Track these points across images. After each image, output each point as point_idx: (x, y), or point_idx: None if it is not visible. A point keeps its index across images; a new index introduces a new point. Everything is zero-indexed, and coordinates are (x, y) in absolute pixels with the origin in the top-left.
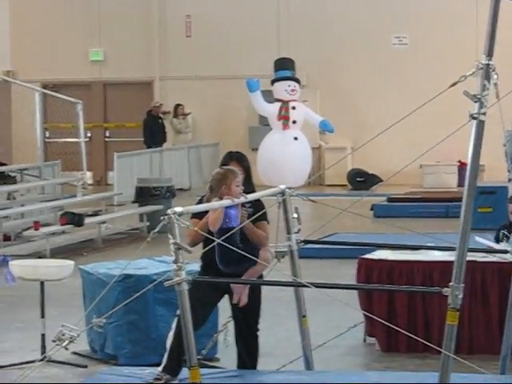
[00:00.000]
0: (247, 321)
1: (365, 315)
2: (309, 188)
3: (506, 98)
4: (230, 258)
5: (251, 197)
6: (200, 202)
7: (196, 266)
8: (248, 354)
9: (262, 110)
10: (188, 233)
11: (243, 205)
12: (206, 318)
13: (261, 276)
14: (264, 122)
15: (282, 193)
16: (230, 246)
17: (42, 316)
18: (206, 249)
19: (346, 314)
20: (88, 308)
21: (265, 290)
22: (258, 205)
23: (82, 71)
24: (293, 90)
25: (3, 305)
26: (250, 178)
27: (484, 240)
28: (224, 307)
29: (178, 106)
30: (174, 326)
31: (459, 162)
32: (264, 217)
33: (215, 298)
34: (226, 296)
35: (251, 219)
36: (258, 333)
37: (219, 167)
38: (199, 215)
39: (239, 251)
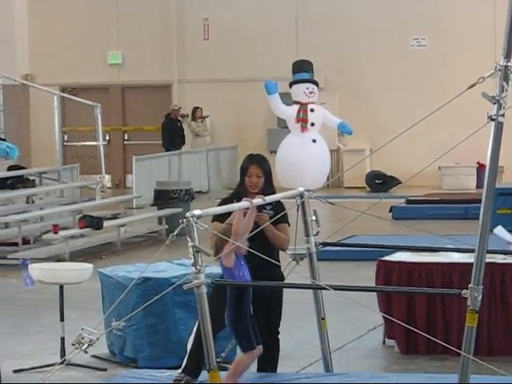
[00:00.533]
0: (268, 324)
1: (384, 317)
2: (327, 190)
3: None
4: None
5: (270, 198)
6: (221, 204)
7: (215, 269)
8: (268, 357)
9: (281, 112)
10: (210, 236)
11: (264, 207)
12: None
13: (282, 278)
14: (282, 124)
15: (301, 195)
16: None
17: (62, 319)
18: (224, 252)
19: (365, 316)
20: (107, 311)
21: (284, 292)
22: (278, 207)
23: (100, 74)
24: (311, 93)
25: (23, 308)
26: (270, 181)
27: (504, 231)
28: None
29: (196, 108)
30: (195, 329)
31: (478, 163)
32: (285, 219)
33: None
34: None
35: (272, 220)
36: (279, 336)
37: (240, 167)
38: (220, 218)
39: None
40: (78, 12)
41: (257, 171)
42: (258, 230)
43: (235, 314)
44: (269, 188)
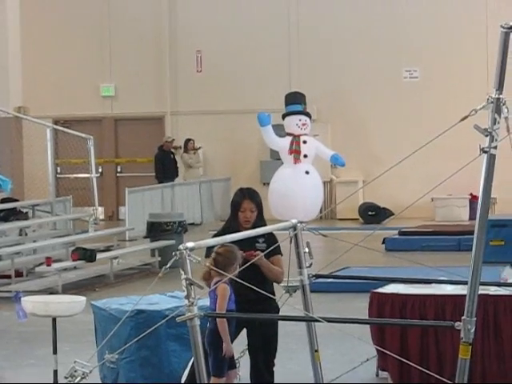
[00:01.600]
0: (265, 356)
1: (377, 349)
2: (320, 222)
3: None
4: (244, 299)
5: (263, 230)
6: (215, 236)
7: (208, 301)
8: None
9: (273, 144)
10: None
11: (256, 240)
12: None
13: (278, 310)
14: (275, 156)
15: (294, 227)
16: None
17: (55, 352)
18: (218, 284)
19: (359, 348)
20: (100, 344)
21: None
22: (270, 239)
23: (93, 107)
24: (304, 124)
25: (16, 341)
26: (261, 214)
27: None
28: (236, 342)
29: (188, 140)
30: (190, 362)
31: (471, 195)
32: (278, 250)
33: (234, 333)
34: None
35: (265, 253)
36: (274, 368)
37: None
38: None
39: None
40: (70, 45)
41: (250, 206)
42: (249, 263)
43: (216, 337)
44: (260, 221)
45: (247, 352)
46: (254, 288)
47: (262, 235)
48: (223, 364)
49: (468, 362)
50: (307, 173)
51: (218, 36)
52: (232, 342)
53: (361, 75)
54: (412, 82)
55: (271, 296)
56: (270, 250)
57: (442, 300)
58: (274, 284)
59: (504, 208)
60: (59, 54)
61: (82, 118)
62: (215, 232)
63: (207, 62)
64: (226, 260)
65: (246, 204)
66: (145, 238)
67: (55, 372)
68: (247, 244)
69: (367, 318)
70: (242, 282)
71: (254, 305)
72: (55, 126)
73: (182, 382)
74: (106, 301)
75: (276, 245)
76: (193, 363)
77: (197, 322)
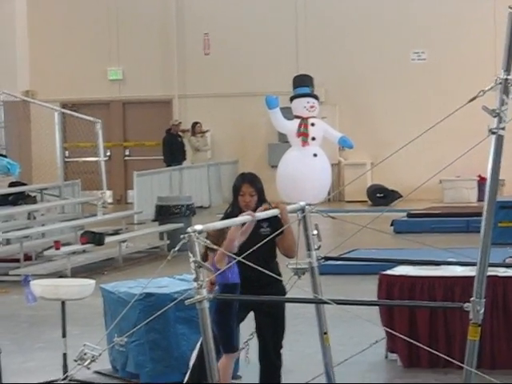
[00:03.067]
0: (273, 338)
1: (386, 331)
2: (329, 204)
3: None
4: (250, 281)
5: (271, 213)
6: (223, 219)
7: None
8: (271, 372)
9: (281, 126)
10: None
11: (260, 225)
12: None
13: (284, 293)
14: (283, 139)
15: (302, 209)
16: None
17: (64, 335)
18: (226, 268)
19: (368, 330)
20: (109, 327)
21: (286, 307)
22: (275, 223)
23: (100, 90)
24: (312, 107)
25: (25, 325)
26: (263, 200)
27: None
28: (244, 324)
29: (195, 124)
30: (198, 344)
31: (479, 176)
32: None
33: (241, 315)
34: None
35: (271, 237)
36: (281, 350)
37: (233, 187)
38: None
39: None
40: (78, 28)
41: (249, 190)
42: (258, 245)
43: (222, 316)
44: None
45: (255, 335)
46: (261, 269)
47: (268, 219)
48: (232, 339)
49: (477, 343)
50: (315, 155)
51: (225, 18)
52: (239, 324)
53: (369, 57)
54: (420, 63)
55: (278, 277)
56: (275, 234)
57: (450, 282)
58: (283, 268)
59: None
60: (67, 38)
61: (90, 101)
62: (222, 216)
63: (215, 44)
64: (216, 237)
65: (245, 188)
66: (153, 221)
67: (64, 355)
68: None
69: (376, 300)
70: (248, 263)
71: (260, 287)
72: (63, 110)
73: (191, 363)
74: (114, 284)
75: (281, 229)
76: (201, 345)
77: (206, 304)
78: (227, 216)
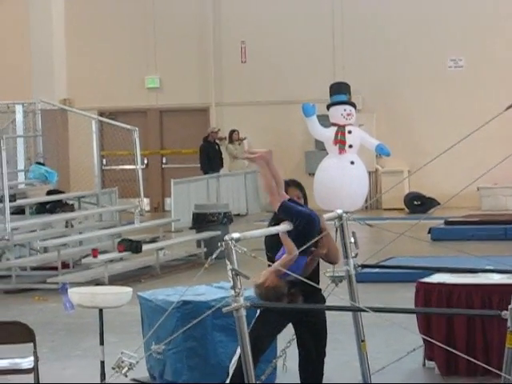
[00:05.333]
0: (317, 346)
1: (424, 339)
2: (366, 212)
3: None
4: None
5: None
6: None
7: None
8: (313, 380)
9: (318, 134)
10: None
11: None
12: (269, 345)
13: (324, 301)
14: (320, 146)
15: (340, 217)
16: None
17: (101, 343)
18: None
19: (405, 337)
20: (147, 335)
21: None
22: None
23: (138, 98)
24: (348, 114)
25: (63, 332)
26: (306, 205)
27: None
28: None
29: (233, 131)
30: (238, 351)
31: None
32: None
33: (280, 326)
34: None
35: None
36: (325, 358)
37: None
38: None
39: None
40: (115, 37)
41: (296, 192)
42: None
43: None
44: None
45: (293, 343)
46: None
47: None
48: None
49: None
50: (352, 163)
51: (262, 26)
52: (278, 333)
53: (406, 65)
54: (457, 70)
55: (318, 287)
56: (317, 238)
57: (488, 289)
58: (321, 276)
59: None
60: (104, 46)
61: (127, 109)
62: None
63: (251, 52)
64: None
65: (292, 191)
66: (190, 229)
67: (102, 363)
68: None
69: (413, 307)
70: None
71: (305, 298)
72: (100, 118)
73: (231, 370)
74: (152, 292)
75: (318, 237)
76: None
77: (243, 312)
78: (271, 222)
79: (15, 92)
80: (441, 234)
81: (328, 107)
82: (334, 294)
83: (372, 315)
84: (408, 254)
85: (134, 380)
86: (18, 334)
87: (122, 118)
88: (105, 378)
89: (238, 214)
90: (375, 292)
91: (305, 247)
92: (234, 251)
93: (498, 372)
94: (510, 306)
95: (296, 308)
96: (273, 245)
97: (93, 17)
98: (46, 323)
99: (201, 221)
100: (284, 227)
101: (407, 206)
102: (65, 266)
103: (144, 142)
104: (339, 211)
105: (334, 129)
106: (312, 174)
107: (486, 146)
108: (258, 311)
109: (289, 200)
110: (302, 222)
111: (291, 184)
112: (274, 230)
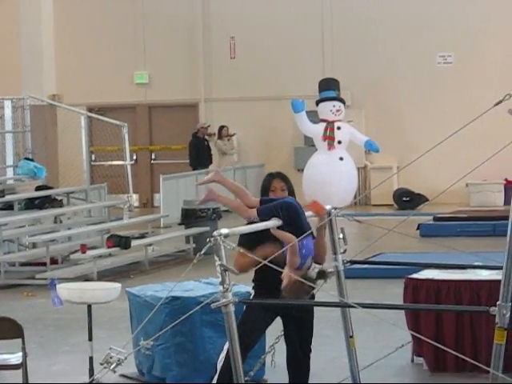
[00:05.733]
0: (302, 341)
1: (412, 335)
2: (355, 208)
3: None
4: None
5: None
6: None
7: (243, 288)
8: (300, 376)
9: (307, 130)
10: (236, 261)
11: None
12: (258, 340)
13: (312, 297)
14: (309, 142)
15: (328, 213)
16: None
17: (90, 339)
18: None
19: (394, 333)
20: (135, 330)
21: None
22: None
23: (127, 94)
24: (338, 110)
25: (51, 328)
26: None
27: None
28: (270, 328)
29: (222, 127)
30: (225, 347)
31: (505, 180)
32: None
33: (268, 321)
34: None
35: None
36: (310, 354)
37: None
38: (247, 242)
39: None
40: (104, 32)
41: (280, 184)
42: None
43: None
44: None
45: (282, 339)
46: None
47: None
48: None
49: (503, 347)
50: (341, 159)
51: (251, 22)
52: (265, 329)
53: (395, 61)
54: (446, 67)
55: (305, 281)
56: (307, 234)
57: (476, 285)
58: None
59: None
60: (93, 42)
61: (116, 105)
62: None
63: (241, 48)
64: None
65: (276, 183)
66: (179, 224)
67: (91, 359)
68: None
69: (402, 303)
70: (277, 268)
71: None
72: (89, 114)
73: (219, 366)
74: (140, 288)
75: (310, 231)
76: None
77: (232, 308)
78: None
79: (4, 87)
80: (429, 230)
81: (317, 103)
82: (323, 290)
83: (360, 311)
84: (397, 250)
85: (123, 376)
86: (6, 329)
87: (111, 114)
88: (93, 374)
89: (227, 210)
90: (364, 288)
91: (306, 235)
92: (222, 247)
93: (486, 368)
94: (498, 302)
95: (284, 303)
96: (251, 243)
97: (82, 13)
98: (35, 319)
99: (190, 216)
100: (273, 223)
101: (396, 202)
102: (53, 261)
103: (133, 138)
104: (328, 207)
105: (322, 125)
106: (301, 170)
107: (474, 142)
108: (245, 306)
109: (260, 201)
110: (282, 211)
111: (276, 176)
112: (262, 225)
